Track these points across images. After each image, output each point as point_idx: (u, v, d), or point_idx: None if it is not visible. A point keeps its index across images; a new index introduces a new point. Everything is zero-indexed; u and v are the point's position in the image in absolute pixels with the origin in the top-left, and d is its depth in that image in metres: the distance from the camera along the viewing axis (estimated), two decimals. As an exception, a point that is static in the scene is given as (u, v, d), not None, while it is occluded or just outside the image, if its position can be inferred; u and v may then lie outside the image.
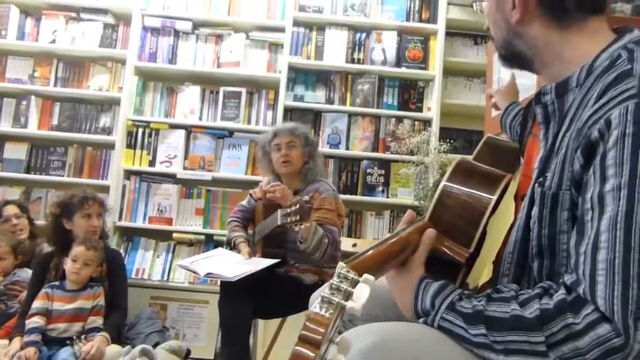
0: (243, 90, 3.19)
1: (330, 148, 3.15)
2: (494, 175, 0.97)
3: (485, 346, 0.75)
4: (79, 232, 2.39)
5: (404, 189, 3.14)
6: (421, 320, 0.85)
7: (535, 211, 0.81)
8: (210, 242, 3.03)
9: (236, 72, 3.18)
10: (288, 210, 1.94)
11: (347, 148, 3.18)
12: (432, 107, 3.18)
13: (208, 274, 2.06)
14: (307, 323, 0.67)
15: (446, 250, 0.90)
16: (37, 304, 2.22)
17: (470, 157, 1.07)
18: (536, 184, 0.82)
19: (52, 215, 2.45)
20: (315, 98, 3.22)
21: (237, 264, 2.11)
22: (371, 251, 0.84)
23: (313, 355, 0.64)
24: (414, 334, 0.82)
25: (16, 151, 3.19)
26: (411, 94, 3.24)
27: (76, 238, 2.36)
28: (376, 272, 0.81)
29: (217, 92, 3.21)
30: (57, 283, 2.28)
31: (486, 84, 3.34)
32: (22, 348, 2.09)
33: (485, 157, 1.03)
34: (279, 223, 2.01)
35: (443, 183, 0.96)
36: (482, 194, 0.92)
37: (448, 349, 0.79)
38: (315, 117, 3.19)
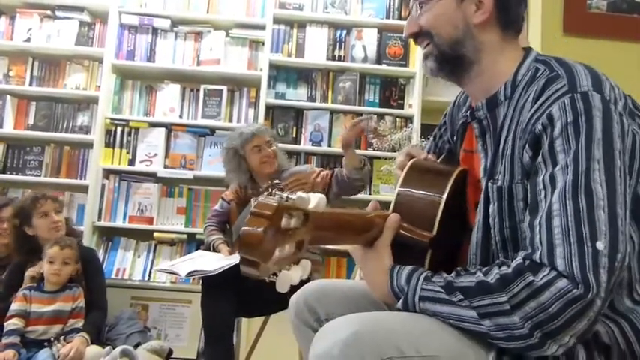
0: (224, 88, 3.17)
1: (312, 145, 3.15)
2: (447, 168, 1.05)
3: (468, 307, 0.79)
4: (43, 233, 2.36)
5: (386, 186, 3.15)
6: (399, 304, 0.86)
7: (493, 208, 0.89)
8: (192, 241, 3.00)
9: (216, 70, 3.16)
10: (260, 198, 1.95)
11: (329, 146, 3.17)
12: (413, 104, 3.19)
13: (190, 272, 2.04)
14: (255, 207, 0.67)
15: (409, 233, 0.93)
16: (15, 306, 2.19)
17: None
18: (489, 184, 0.89)
19: (13, 227, 2.42)
20: (296, 96, 3.21)
21: (217, 260, 2.10)
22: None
23: (262, 228, 0.64)
24: (394, 322, 0.83)
25: (-8, 152, 3.13)
26: (392, 90, 3.25)
27: (43, 240, 2.33)
28: (331, 234, 0.84)
29: (198, 90, 3.19)
30: (34, 284, 2.24)
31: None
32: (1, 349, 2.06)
33: (416, 179, 1.05)
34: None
35: (401, 176, 1.04)
36: (438, 182, 0.99)
37: (428, 335, 0.80)
38: (296, 114, 3.18)
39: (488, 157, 0.93)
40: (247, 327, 2.80)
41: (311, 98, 3.21)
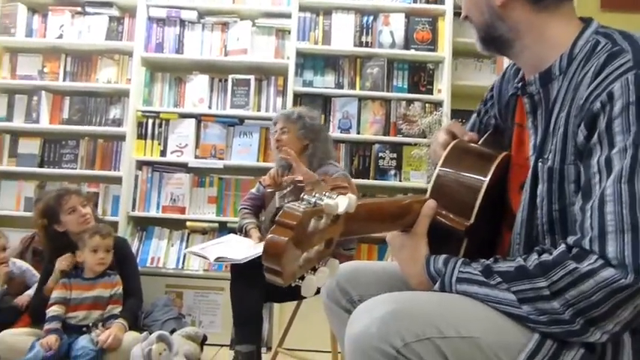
0: (252, 77, 3.18)
1: (341, 132, 3.13)
2: (490, 152, 1.01)
3: (507, 290, 0.77)
4: (73, 227, 2.39)
5: (416, 172, 3.12)
6: (436, 286, 0.85)
7: (541, 188, 0.84)
8: (223, 230, 3.03)
9: (244, 59, 3.17)
10: (284, 191, 1.96)
11: (358, 133, 3.16)
12: (442, 89, 3.14)
13: (218, 258, 2.06)
14: (280, 215, 0.65)
15: (445, 220, 0.91)
16: (55, 293, 2.26)
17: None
18: (539, 163, 0.85)
19: (41, 227, 2.44)
20: (324, 83, 3.20)
21: (247, 247, 2.11)
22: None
23: (286, 238, 0.63)
24: (432, 302, 0.82)
25: (30, 146, 3.22)
26: (420, 76, 3.21)
27: (74, 235, 2.37)
28: (364, 226, 0.82)
29: (226, 80, 3.21)
30: (74, 272, 2.31)
31: (496, 64, 3.30)
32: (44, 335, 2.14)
33: (457, 161, 1.02)
34: (277, 205, 2.02)
35: (442, 156, 1.00)
36: (480, 166, 0.95)
37: (468, 316, 0.79)
38: (324, 102, 3.17)
39: (539, 135, 0.89)
40: (279, 313, 2.82)
41: (339, 85, 3.20)
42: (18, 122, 3.23)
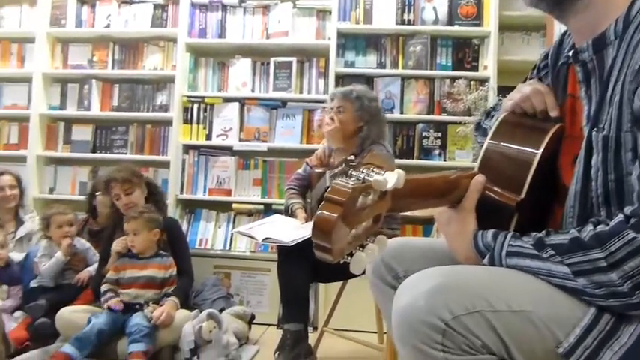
0: (294, 59, 3.18)
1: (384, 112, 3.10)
2: (543, 124, 0.96)
3: (560, 262, 0.75)
4: (122, 209, 2.51)
5: (461, 151, 3.06)
6: (485, 260, 0.83)
7: (596, 158, 0.81)
8: (268, 212, 3.07)
9: (285, 42, 3.17)
10: (336, 170, 1.94)
11: (401, 112, 3.12)
12: (488, 65, 3.05)
13: (266, 238, 2.09)
14: (329, 192, 0.65)
15: (495, 195, 0.89)
16: (110, 274, 2.36)
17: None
18: (593, 133, 0.81)
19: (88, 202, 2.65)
20: (366, 63, 3.17)
21: (293, 229, 2.13)
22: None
23: (335, 215, 0.62)
24: (481, 275, 0.81)
25: (83, 133, 3.35)
26: (465, 52, 3.12)
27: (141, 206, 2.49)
28: (412, 202, 0.80)
29: (268, 63, 3.22)
30: (129, 252, 2.40)
31: (546, 38, 3.17)
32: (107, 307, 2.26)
33: (508, 134, 0.98)
34: (327, 184, 2.02)
35: (491, 129, 0.97)
36: (532, 139, 0.91)
37: (518, 290, 0.78)
38: (367, 82, 3.12)
39: (592, 104, 0.85)
40: (325, 293, 2.85)
41: (381, 65, 3.16)
42: (71, 110, 3.36)
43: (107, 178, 2.52)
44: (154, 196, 2.64)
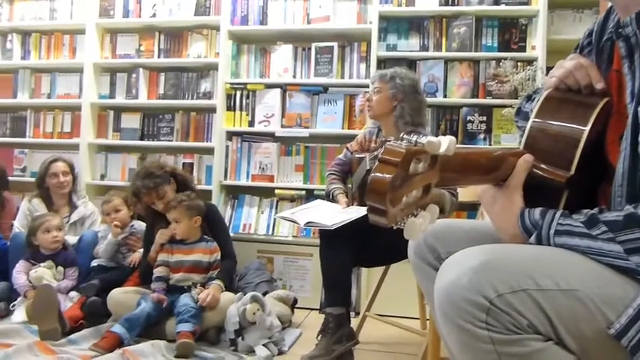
0: (335, 44, 3.17)
1: (427, 96, 3.03)
2: (590, 99, 0.92)
3: (612, 240, 0.73)
4: (162, 211, 2.54)
5: (508, 135, 2.97)
6: (532, 238, 0.81)
7: None
8: (310, 197, 3.08)
9: (326, 27, 3.16)
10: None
11: (445, 96, 3.06)
12: (536, 45, 2.94)
13: (308, 222, 2.10)
14: (383, 153, 0.65)
15: (543, 173, 0.86)
16: (160, 257, 2.44)
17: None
18: (639, 109, 0.78)
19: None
20: (408, 46, 3.12)
21: (336, 213, 2.13)
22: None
23: (390, 175, 0.62)
24: (527, 253, 0.79)
25: (131, 121, 3.45)
26: (512, 33, 3.02)
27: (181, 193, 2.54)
28: (460, 175, 0.79)
29: (309, 49, 3.22)
30: (178, 238, 2.47)
31: (599, 15, 3.02)
32: (153, 291, 2.35)
33: (553, 111, 0.94)
34: (368, 167, 2.01)
35: (535, 107, 0.94)
36: (579, 114, 0.88)
37: (566, 268, 0.75)
38: (409, 66, 3.06)
39: (637, 79, 0.83)
40: (367, 278, 2.85)
41: (424, 48, 3.10)
42: (120, 99, 3.47)
43: (134, 189, 2.54)
44: (183, 183, 2.66)
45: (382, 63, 3.08)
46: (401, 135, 0.69)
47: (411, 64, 3.09)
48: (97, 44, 3.48)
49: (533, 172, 0.86)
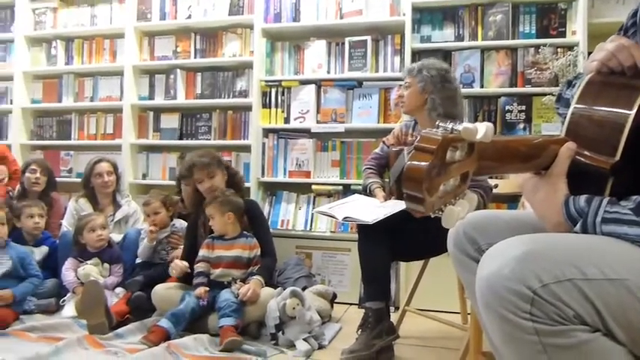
0: (368, 38, 3.15)
1: (463, 87, 2.97)
2: (634, 81, 0.88)
3: None
4: (205, 193, 2.61)
5: (548, 124, 2.89)
6: (577, 227, 0.79)
7: None
8: (347, 192, 3.08)
9: (359, 21, 3.15)
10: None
11: (482, 86, 3.00)
12: (577, 30, 2.85)
13: (346, 217, 2.10)
14: (419, 141, 0.64)
15: (587, 160, 0.83)
16: (201, 252, 2.50)
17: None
18: None
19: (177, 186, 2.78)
20: (443, 37, 3.07)
21: (374, 208, 2.13)
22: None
23: (426, 163, 0.61)
24: (572, 242, 0.77)
25: (170, 121, 3.53)
26: (551, 18, 2.93)
27: (218, 191, 2.58)
28: (498, 163, 0.77)
29: (342, 44, 3.22)
30: (216, 234, 2.52)
31: (645, -4, 2.90)
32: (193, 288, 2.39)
33: (595, 95, 0.90)
34: (406, 161, 1.98)
35: (577, 93, 0.91)
36: (623, 97, 0.85)
37: (614, 257, 0.73)
38: (444, 57, 3.03)
39: None
40: (406, 272, 2.84)
41: (459, 38, 3.05)
42: (159, 100, 3.55)
43: (190, 163, 2.63)
44: (233, 178, 2.73)
45: (417, 55, 3.05)
46: (437, 123, 0.68)
47: (446, 54, 3.04)
48: (136, 47, 3.57)
49: (576, 160, 0.84)
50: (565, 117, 0.93)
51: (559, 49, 2.84)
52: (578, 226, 0.79)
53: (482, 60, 3.00)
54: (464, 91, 2.94)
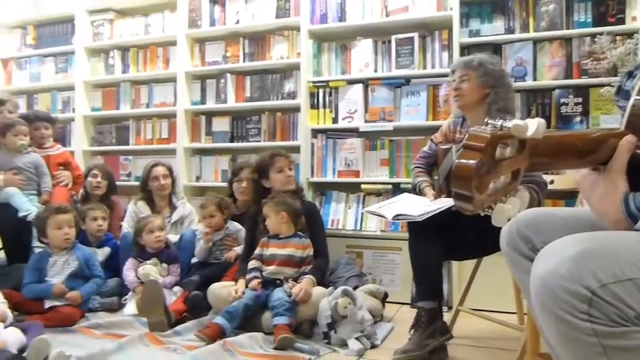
0: (415, 35, 3.12)
1: (515, 81, 2.90)
2: None
3: None
4: (277, 185, 2.69)
5: (607, 116, 2.77)
6: (638, 224, 0.75)
7: None
8: (397, 191, 3.06)
9: (405, 17, 3.12)
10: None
11: (534, 79, 2.91)
12: (637, 16, 2.71)
13: (396, 215, 2.09)
14: (467, 139, 0.64)
15: None
16: (256, 250, 2.58)
17: None
18: None
19: (252, 180, 2.81)
20: (492, 30, 3.00)
21: (423, 206, 2.11)
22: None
23: (474, 161, 0.61)
24: (630, 240, 0.74)
25: (221, 124, 3.62)
26: (608, 5, 2.80)
27: (275, 192, 2.63)
28: (552, 159, 0.75)
29: (389, 42, 3.20)
30: (271, 233, 2.58)
31: None
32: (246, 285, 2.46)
33: None
34: (454, 158, 1.95)
35: (637, 87, 0.87)
36: None
37: None
38: (494, 50, 2.96)
39: None
40: (458, 271, 2.79)
41: (509, 30, 2.96)
42: (210, 104, 3.65)
43: (271, 152, 2.76)
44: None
45: (465, 50, 2.99)
46: (485, 120, 0.67)
47: (497, 48, 2.97)
48: (188, 54, 3.69)
49: (636, 154, 0.81)
50: (625, 110, 0.89)
51: (617, 37, 2.72)
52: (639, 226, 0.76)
53: (535, 52, 2.91)
54: (516, 84, 2.88)
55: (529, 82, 2.90)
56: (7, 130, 3.06)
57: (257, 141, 3.51)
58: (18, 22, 4.23)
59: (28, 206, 2.91)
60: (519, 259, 1.02)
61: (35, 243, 2.83)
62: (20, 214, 2.88)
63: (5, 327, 1.95)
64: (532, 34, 2.91)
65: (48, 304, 2.48)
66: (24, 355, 1.77)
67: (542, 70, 2.89)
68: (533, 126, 0.66)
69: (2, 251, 3.05)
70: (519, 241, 1.02)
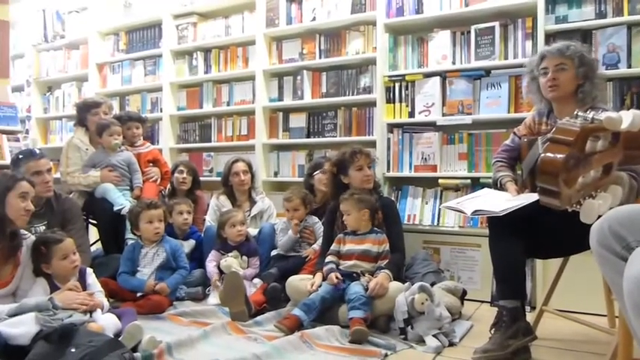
0: (496, 24, 3.00)
1: (606, 69, 2.72)
2: None
3: None
4: (355, 182, 2.69)
5: None
6: None
7: None
8: (476, 185, 2.98)
9: (485, 6, 3.01)
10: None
11: (629, 67, 2.70)
12: None
13: (475, 211, 2.02)
14: (554, 132, 0.61)
15: None
16: (333, 246, 2.61)
17: None
18: None
19: (331, 174, 2.81)
20: (581, 15, 2.82)
21: (504, 201, 2.03)
22: None
23: (562, 155, 0.58)
24: None
25: (298, 120, 3.69)
26: None
27: (353, 189, 2.65)
28: None
29: (468, 32, 3.10)
30: (349, 229, 2.61)
31: None
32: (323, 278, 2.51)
33: None
34: (540, 151, 1.85)
35: None
36: None
37: None
38: (584, 37, 2.79)
39: None
40: (543, 270, 2.67)
41: (600, 15, 2.78)
42: (287, 100, 3.73)
43: (354, 149, 2.75)
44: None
45: (551, 37, 2.84)
46: (575, 112, 0.64)
47: (586, 34, 2.79)
48: (266, 52, 3.78)
49: None
50: None
51: None
52: None
53: (630, 37, 2.71)
54: (608, 72, 2.70)
55: (623, 70, 2.71)
56: (103, 131, 3.31)
57: (333, 136, 3.54)
58: (111, 29, 4.54)
59: (121, 201, 3.14)
60: (611, 257, 0.96)
61: (128, 235, 3.04)
62: (115, 208, 3.11)
63: (103, 313, 2.11)
64: (627, 17, 2.70)
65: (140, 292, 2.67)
66: (119, 339, 1.91)
67: (638, 56, 2.69)
68: (628, 118, 0.62)
69: (100, 242, 3.31)
70: (612, 239, 0.96)
